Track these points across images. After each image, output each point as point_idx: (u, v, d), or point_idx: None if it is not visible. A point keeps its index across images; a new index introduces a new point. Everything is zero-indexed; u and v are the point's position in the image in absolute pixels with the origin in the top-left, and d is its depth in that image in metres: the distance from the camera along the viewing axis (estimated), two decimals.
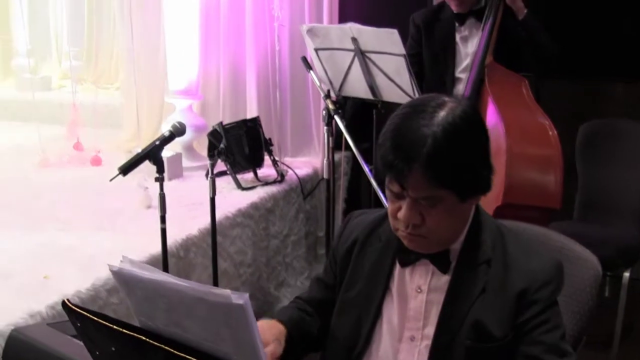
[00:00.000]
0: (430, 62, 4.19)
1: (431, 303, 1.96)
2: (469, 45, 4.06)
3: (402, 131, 1.81)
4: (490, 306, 1.88)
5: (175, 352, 1.56)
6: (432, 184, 1.78)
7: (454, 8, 4.04)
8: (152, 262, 3.52)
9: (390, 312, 2.02)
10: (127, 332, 1.62)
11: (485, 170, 1.88)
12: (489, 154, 1.90)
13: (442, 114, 1.80)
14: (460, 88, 4.02)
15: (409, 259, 1.98)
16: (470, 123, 1.84)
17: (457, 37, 4.10)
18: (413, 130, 1.79)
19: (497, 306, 1.88)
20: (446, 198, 1.81)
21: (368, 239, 2.11)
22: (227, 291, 1.48)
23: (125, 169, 3.20)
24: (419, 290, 1.97)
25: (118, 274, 1.69)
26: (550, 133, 3.64)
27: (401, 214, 1.85)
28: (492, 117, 3.67)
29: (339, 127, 3.94)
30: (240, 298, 1.47)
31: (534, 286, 1.87)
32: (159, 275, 1.63)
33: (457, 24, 4.08)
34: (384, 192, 3.63)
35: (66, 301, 1.74)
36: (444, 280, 1.95)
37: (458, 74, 4.09)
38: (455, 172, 1.79)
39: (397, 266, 2.02)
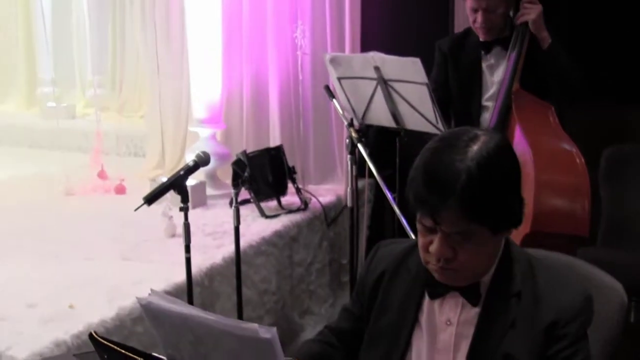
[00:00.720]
0: (456, 90, 4.17)
1: (461, 336, 1.94)
2: (495, 74, 4.04)
3: (434, 166, 1.80)
4: (520, 340, 1.87)
5: None
6: (466, 219, 1.76)
7: (481, 36, 4.02)
8: (176, 291, 3.53)
9: (420, 344, 2.00)
10: None
11: (517, 203, 1.88)
12: (521, 187, 1.90)
13: (475, 147, 1.79)
14: (486, 116, 4.00)
15: (438, 291, 1.96)
16: (503, 157, 1.84)
17: (484, 65, 4.07)
18: (446, 165, 1.78)
19: (527, 340, 1.86)
20: (479, 232, 1.80)
21: (397, 270, 2.09)
22: (255, 325, 1.48)
23: (150, 199, 3.21)
24: (448, 323, 1.96)
25: (146, 307, 1.70)
26: (578, 160, 3.63)
27: (433, 248, 1.84)
28: (519, 145, 3.66)
29: (362, 155, 3.95)
30: (267, 332, 1.47)
31: (564, 319, 1.85)
32: (186, 309, 1.63)
33: (483, 52, 4.06)
34: (407, 219, 3.63)
35: (93, 333, 1.75)
36: (474, 312, 1.93)
37: (484, 102, 4.07)
38: (489, 206, 1.78)
39: (426, 298, 2.00)
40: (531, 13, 3.80)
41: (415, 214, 1.87)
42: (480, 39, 4.04)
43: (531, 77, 3.89)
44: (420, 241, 1.89)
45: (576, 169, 3.62)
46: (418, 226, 1.88)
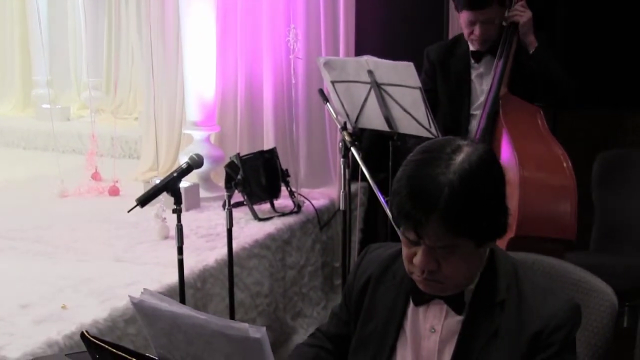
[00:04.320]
0: (445, 99, 4.16)
1: (444, 344, 1.93)
2: (484, 83, 4.01)
3: (417, 180, 1.77)
4: (503, 349, 1.86)
5: None
6: (450, 233, 1.75)
7: (475, 47, 4.00)
8: (169, 292, 3.54)
9: (404, 351, 1.99)
10: None
11: (502, 214, 1.86)
12: (505, 197, 1.87)
13: (458, 159, 1.77)
14: (475, 124, 4.00)
15: (423, 298, 1.95)
16: (487, 169, 1.81)
17: (473, 74, 4.05)
18: (429, 178, 1.75)
19: (510, 350, 1.85)
20: (463, 245, 1.79)
21: (382, 276, 2.08)
22: (245, 325, 1.49)
23: (143, 201, 3.22)
24: (432, 331, 1.95)
25: (139, 306, 1.70)
26: (565, 164, 3.62)
27: (417, 260, 1.83)
28: (506, 149, 3.66)
29: (356, 159, 3.95)
30: (257, 332, 1.48)
31: (548, 329, 1.83)
32: (178, 308, 1.64)
33: (472, 61, 4.05)
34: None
35: (85, 333, 1.76)
36: (458, 320, 1.92)
37: (473, 111, 4.06)
38: (473, 220, 1.76)
39: (411, 305, 1.99)
40: (523, 16, 3.81)
41: (399, 226, 1.85)
42: (473, 49, 4.03)
43: (520, 82, 3.89)
44: (404, 252, 1.88)
45: (563, 172, 3.61)
46: (401, 237, 1.87)
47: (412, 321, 1.99)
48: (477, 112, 4.01)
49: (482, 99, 4.00)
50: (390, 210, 1.83)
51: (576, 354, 1.92)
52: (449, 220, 1.73)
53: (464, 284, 1.90)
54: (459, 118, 4.08)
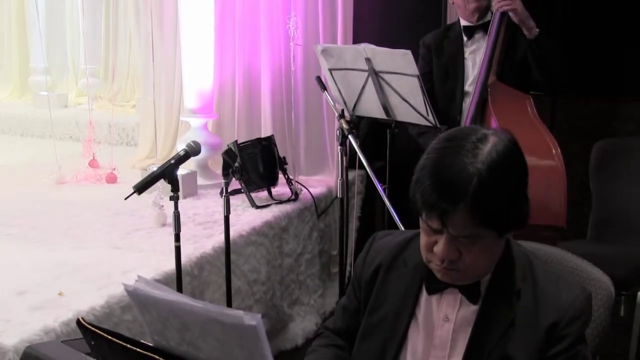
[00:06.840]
0: (440, 78, 4.22)
1: (458, 333, 1.92)
2: (477, 58, 4.08)
3: (444, 169, 1.75)
4: (519, 340, 1.85)
5: None
6: (476, 223, 1.74)
7: (472, 7, 4.06)
8: (166, 280, 3.54)
9: (416, 339, 1.98)
10: (141, 351, 1.63)
11: (524, 205, 1.85)
12: (527, 187, 1.86)
13: (485, 149, 1.76)
14: (469, 102, 4.03)
15: (437, 286, 1.94)
16: (513, 158, 1.81)
17: (466, 52, 4.14)
18: (456, 168, 1.73)
19: (526, 340, 1.85)
20: (486, 236, 1.78)
21: (393, 263, 2.06)
22: (240, 312, 1.48)
23: (140, 188, 3.22)
24: (446, 319, 1.94)
25: (133, 294, 1.70)
26: (554, 151, 3.62)
27: (438, 249, 1.81)
28: None
29: (353, 147, 3.95)
30: (252, 319, 1.47)
31: (564, 320, 1.84)
32: (173, 296, 1.64)
33: (465, 39, 4.13)
34: (397, 211, 3.64)
35: (81, 319, 1.75)
36: (472, 310, 1.91)
37: (467, 88, 4.11)
38: (499, 210, 1.76)
39: (424, 293, 1.98)
40: (511, 4, 3.82)
41: (415, 212, 1.83)
42: (467, 23, 4.10)
43: (511, 67, 3.91)
44: (424, 240, 1.86)
45: (552, 158, 3.61)
46: (422, 225, 1.84)
47: (425, 309, 1.98)
48: (471, 89, 4.03)
49: (475, 73, 4.04)
50: (413, 198, 1.80)
51: (587, 344, 1.92)
52: (476, 210, 1.72)
53: (482, 274, 1.90)
54: (454, 94, 4.14)
